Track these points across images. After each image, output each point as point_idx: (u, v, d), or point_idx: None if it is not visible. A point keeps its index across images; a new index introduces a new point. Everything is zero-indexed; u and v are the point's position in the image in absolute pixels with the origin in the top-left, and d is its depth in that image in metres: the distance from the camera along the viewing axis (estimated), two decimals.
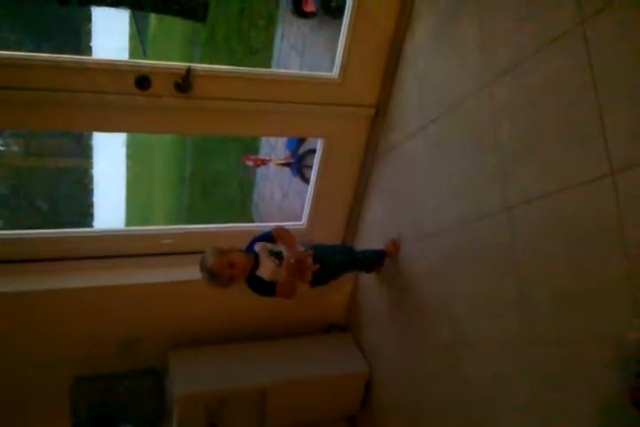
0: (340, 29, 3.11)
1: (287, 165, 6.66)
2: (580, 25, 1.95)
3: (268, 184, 8.47)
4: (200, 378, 3.31)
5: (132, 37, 15.90)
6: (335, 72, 3.19)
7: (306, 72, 4.38)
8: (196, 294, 3.31)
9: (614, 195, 1.85)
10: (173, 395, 3.24)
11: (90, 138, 15.79)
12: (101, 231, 3.46)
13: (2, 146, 16.14)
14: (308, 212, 3.66)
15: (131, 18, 14.59)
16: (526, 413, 2.34)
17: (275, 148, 8.06)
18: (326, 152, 3.43)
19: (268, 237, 2.80)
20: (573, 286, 2.05)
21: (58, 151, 16.67)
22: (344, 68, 3.15)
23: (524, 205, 2.26)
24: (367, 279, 3.65)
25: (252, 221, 8.79)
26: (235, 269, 2.59)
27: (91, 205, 17.62)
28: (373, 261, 3.34)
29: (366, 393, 3.67)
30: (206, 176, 12.64)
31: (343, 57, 3.12)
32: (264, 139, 8.41)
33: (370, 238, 3.59)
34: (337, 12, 5.56)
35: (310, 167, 4.51)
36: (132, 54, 15.82)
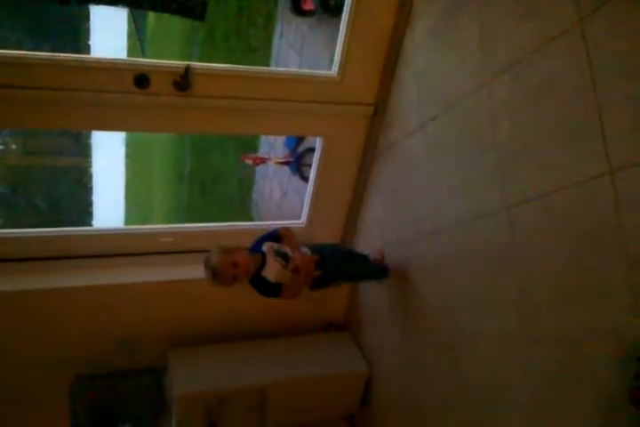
0: (338, 28, 3.11)
1: (286, 163, 6.65)
2: (578, 23, 1.94)
3: (268, 183, 8.47)
4: (199, 377, 3.31)
5: (130, 36, 15.88)
6: (334, 70, 3.18)
7: (305, 70, 4.38)
8: (196, 293, 3.32)
9: (613, 194, 1.85)
10: (172, 394, 3.24)
11: (89, 136, 15.79)
12: (100, 230, 3.46)
13: (1, 144, 16.13)
14: (307, 210, 3.66)
15: (129, 16, 14.57)
16: (526, 412, 2.34)
17: (274, 146, 8.05)
18: (325, 151, 3.43)
19: (274, 235, 2.79)
20: (573, 284, 2.05)
21: (57, 150, 16.66)
22: (343, 66, 3.14)
23: (523, 204, 2.26)
24: None
25: (252, 220, 8.79)
26: (238, 268, 2.56)
27: (90, 204, 17.61)
28: (372, 277, 3.33)
29: (366, 392, 3.67)
30: (205, 175, 12.63)
31: (342, 55, 3.12)
32: (263, 137, 8.40)
33: (369, 237, 3.59)
34: (336, 11, 5.55)
35: (309, 166, 4.50)
36: (130, 53, 15.80)
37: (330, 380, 3.54)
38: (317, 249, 2.95)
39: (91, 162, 17.51)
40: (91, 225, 17.81)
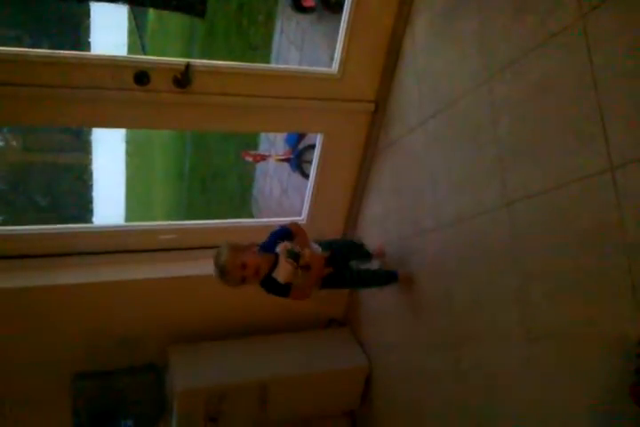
0: (339, 24, 3.11)
1: (286, 160, 6.65)
2: (579, 20, 1.94)
3: (268, 180, 8.46)
4: (200, 373, 3.31)
5: (130, 33, 15.86)
6: (334, 67, 3.18)
7: (305, 67, 4.38)
8: (196, 290, 3.32)
9: (614, 190, 1.85)
10: (173, 390, 3.25)
11: (89, 133, 15.77)
12: (101, 227, 3.46)
13: (1, 141, 16.11)
14: (307, 207, 3.66)
15: (129, 13, 14.55)
16: (525, 408, 2.34)
17: (274, 143, 8.05)
18: (326, 147, 3.43)
19: (285, 233, 2.70)
20: (573, 281, 2.05)
21: (57, 147, 16.64)
22: (343, 63, 3.14)
23: (523, 201, 2.26)
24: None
25: (252, 217, 8.79)
26: (247, 270, 2.49)
27: (90, 201, 17.60)
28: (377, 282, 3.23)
29: (366, 388, 3.68)
30: (206, 171, 12.63)
31: (342, 52, 3.11)
32: (263, 134, 8.40)
33: (370, 233, 3.59)
34: (336, 7, 5.55)
35: (310, 163, 4.50)
36: (130, 50, 15.78)
37: (330, 376, 3.55)
38: (328, 245, 2.90)
39: (91, 159, 17.49)
40: (91, 222, 17.81)
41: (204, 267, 3.31)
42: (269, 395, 3.39)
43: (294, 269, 2.58)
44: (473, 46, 2.52)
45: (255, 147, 8.75)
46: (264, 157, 7.41)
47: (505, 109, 2.36)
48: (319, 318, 3.93)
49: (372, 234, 3.55)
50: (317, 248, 2.82)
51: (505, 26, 2.32)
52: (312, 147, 5.24)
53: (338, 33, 3.13)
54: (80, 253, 3.23)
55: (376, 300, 3.59)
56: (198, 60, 2.90)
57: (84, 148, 17.05)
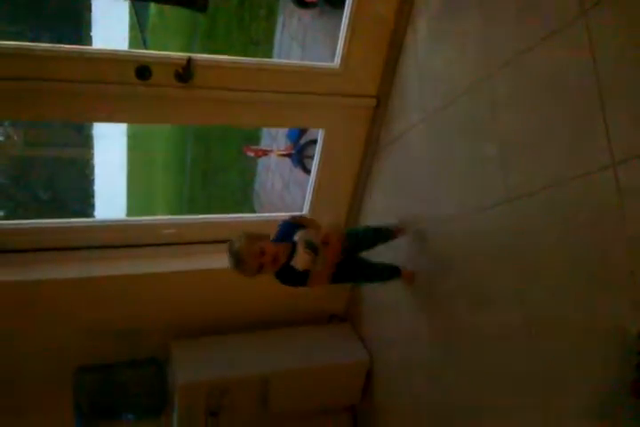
0: (341, 19, 3.10)
1: (288, 155, 6.65)
2: (582, 15, 1.94)
3: (270, 174, 8.47)
4: (201, 367, 3.33)
5: (132, 28, 15.84)
6: (336, 62, 3.18)
7: (307, 62, 4.37)
8: (198, 284, 3.33)
9: (615, 186, 1.85)
10: (175, 384, 3.26)
11: (90, 128, 15.76)
12: (102, 221, 3.46)
13: (2, 136, 16.11)
14: (309, 202, 3.66)
15: (131, 8, 14.52)
16: (526, 403, 2.35)
17: (276, 138, 8.05)
18: (327, 142, 3.43)
19: (297, 226, 2.61)
20: (574, 277, 2.05)
21: (58, 141, 16.64)
22: (345, 58, 3.14)
23: (525, 197, 2.26)
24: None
25: (254, 212, 8.79)
26: (265, 257, 2.38)
27: (92, 195, 17.60)
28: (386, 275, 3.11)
29: (367, 383, 3.68)
30: (207, 166, 12.63)
31: (344, 47, 3.11)
32: (265, 129, 8.40)
33: None
34: (338, 2, 5.54)
35: (311, 158, 4.50)
36: (132, 45, 15.76)
37: (331, 370, 3.55)
38: (354, 235, 2.88)
39: (92, 153, 17.49)
40: (93, 216, 17.81)
41: (206, 261, 3.33)
42: (270, 389, 3.40)
43: (312, 260, 2.47)
44: (475, 42, 2.52)
45: (257, 142, 8.76)
46: (266, 152, 7.41)
47: (506, 105, 2.36)
48: (320, 313, 3.93)
49: None
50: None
51: (507, 22, 2.32)
52: (313, 142, 5.24)
53: (339, 28, 3.13)
54: (81, 248, 3.24)
55: (377, 295, 3.60)
56: (200, 55, 2.90)
57: (86, 142, 17.04)
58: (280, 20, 7.92)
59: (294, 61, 6.27)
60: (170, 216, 3.62)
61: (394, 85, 3.20)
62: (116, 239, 3.31)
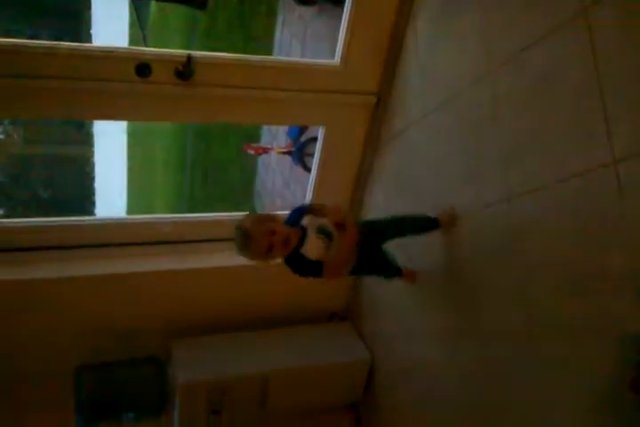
0: (341, 16, 3.10)
1: (288, 153, 6.65)
2: (583, 12, 1.93)
3: (270, 172, 8.47)
4: (202, 366, 3.32)
5: (132, 25, 15.83)
6: (336, 59, 3.17)
7: (307, 60, 4.37)
8: (198, 283, 3.33)
9: (616, 184, 1.85)
10: (176, 382, 3.25)
11: (90, 125, 15.75)
12: (102, 219, 3.46)
13: (1, 133, 16.10)
14: (309, 200, 3.65)
15: (130, 5, 14.52)
16: (526, 400, 2.35)
17: (276, 136, 8.04)
18: (328, 140, 3.42)
19: (307, 211, 2.42)
20: (574, 275, 2.05)
21: (58, 139, 16.63)
22: (345, 55, 3.13)
23: (525, 195, 2.26)
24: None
25: (254, 210, 8.79)
26: (276, 237, 2.15)
27: (92, 193, 17.60)
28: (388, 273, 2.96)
29: (369, 381, 3.68)
30: (207, 164, 12.63)
31: (344, 44, 3.10)
32: (265, 126, 8.39)
33: None
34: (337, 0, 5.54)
35: (312, 155, 4.49)
36: (132, 42, 15.75)
37: (332, 369, 3.55)
38: (370, 224, 2.67)
39: (93, 151, 17.48)
40: (93, 214, 17.82)
41: (206, 260, 3.32)
42: (271, 388, 3.39)
43: (326, 247, 2.30)
44: (476, 39, 2.51)
45: (257, 139, 8.75)
46: (266, 150, 7.41)
47: (507, 103, 2.35)
48: (321, 311, 3.93)
49: None
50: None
51: (508, 18, 2.32)
52: (314, 139, 5.23)
53: (340, 25, 3.12)
54: (81, 246, 3.23)
55: (378, 293, 3.59)
56: (200, 52, 2.89)
57: (86, 140, 17.03)
58: (280, 17, 7.92)
59: (295, 59, 6.26)
60: (170, 214, 3.61)
61: (394, 82, 3.20)
62: (115, 238, 3.30)
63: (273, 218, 2.24)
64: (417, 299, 3.12)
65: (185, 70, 2.84)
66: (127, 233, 3.34)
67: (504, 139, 2.37)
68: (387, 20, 3.07)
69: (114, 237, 3.31)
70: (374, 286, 3.59)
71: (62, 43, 2.72)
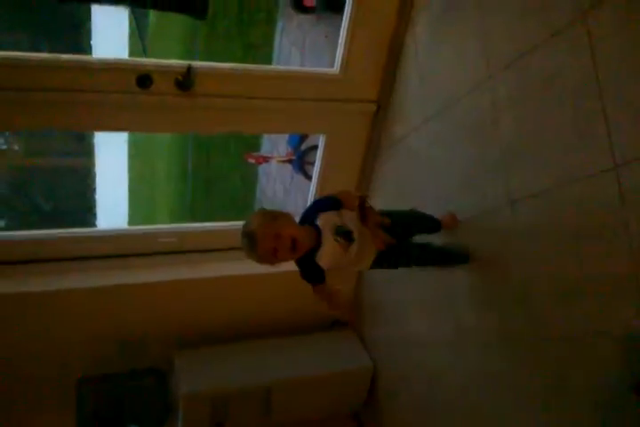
0: (340, 24, 3.11)
1: (289, 161, 6.65)
2: (582, 18, 1.94)
3: (271, 181, 8.47)
4: (205, 377, 3.31)
5: (131, 35, 15.87)
6: (336, 67, 3.18)
7: (307, 68, 4.38)
8: (199, 293, 3.33)
9: (617, 189, 1.85)
10: (178, 394, 3.24)
11: (91, 136, 15.77)
12: (103, 231, 3.46)
13: (3, 145, 16.13)
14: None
15: (130, 15, 14.57)
16: (528, 409, 2.35)
17: (276, 144, 8.05)
18: (328, 148, 3.42)
19: (331, 203, 2.18)
20: (576, 280, 2.05)
21: (59, 150, 16.66)
22: (345, 63, 3.14)
23: (527, 199, 2.26)
24: (371, 274, 3.64)
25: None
26: (281, 241, 1.96)
27: (94, 204, 17.61)
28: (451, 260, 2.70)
29: (371, 389, 3.67)
30: (208, 174, 12.63)
31: (344, 52, 3.11)
32: (265, 135, 8.40)
33: None
34: (337, 7, 5.55)
35: (312, 164, 4.50)
36: (132, 52, 15.80)
37: (335, 377, 3.54)
38: (387, 215, 2.39)
39: (94, 162, 17.50)
40: (95, 225, 17.83)
41: (208, 270, 3.32)
42: (274, 398, 3.38)
43: (344, 251, 2.10)
44: (475, 44, 2.52)
45: (257, 148, 8.76)
46: (267, 159, 7.41)
47: (507, 108, 2.35)
48: (322, 319, 3.91)
49: None
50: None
51: (507, 24, 2.32)
52: (314, 148, 5.24)
53: (339, 33, 3.13)
54: (82, 258, 3.23)
55: (380, 299, 3.59)
56: (200, 63, 2.90)
57: (87, 151, 17.06)
58: (279, 24, 7.94)
59: (294, 67, 6.28)
60: (171, 225, 3.61)
61: (394, 89, 3.20)
62: (117, 249, 3.30)
63: (282, 217, 2.06)
64: (419, 304, 3.11)
65: (185, 81, 2.84)
66: (128, 244, 3.33)
67: (505, 144, 2.37)
68: (386, 28, 3.08)
69: (115, 249, 3.30)
70: (375, 291, 3.58)
71: (63, 55, 2.73)
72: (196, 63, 2.88)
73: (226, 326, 3.58)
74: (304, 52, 7.07)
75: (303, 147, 6.36)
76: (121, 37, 16.13)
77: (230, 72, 3.02)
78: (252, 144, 9.04)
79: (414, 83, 3.04)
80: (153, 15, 14.59)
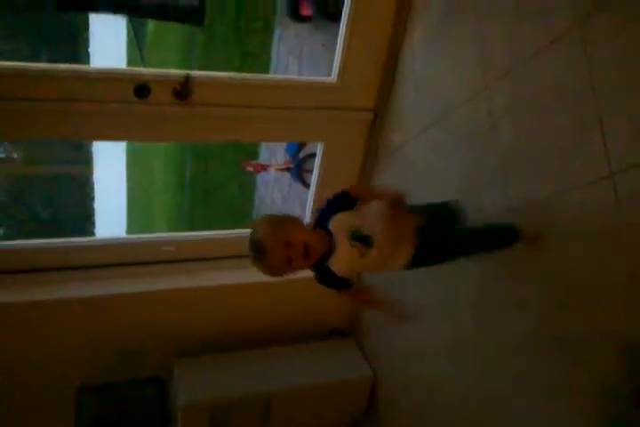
0: (337, 33, 3.11)
1: (287, 170, 6.66)
2: (578, 26, 1.95)
3: (269, 189, 8.48)
4: (204, 386, 3.30)
5: (129, 44, 15.93)
6: (333, 76, 3.18)
7: (304, 77, 4.39)
8: (198, 302, 3.32)
9: (614, 196, 1.86)
10: (177, 403, 3.23)
11: (90, 145, 15.81)
12: (102, 240, 3.46)
13: (2, 153, 16.15)
14: (309, 216, 3.65)
15: (128, 24, 14.63)
16: (526, 419, 2.35)
17: (274, 152, 8.06)
18: (326, 156, 3.42)
19: (343, 199, 1.98)
20: (577, 288, 2.05)
21: (58, 159, 16.69)
22: (342, 72, 3.14)
23: (525, 207, 2.26)
24: (368, 281, 3.63)
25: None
26: (292, 249, 1.78)
27: (92, 213, 17.63)
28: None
29: (371, 398, 3.66)
30: (207, 182, 12.64)
31: (341, 61, 3.12)
32: (263, 143, 8.42)
33: None
34: (334, 16, 5.57)
35: (310, 172, 4.50)
36: (130, 61, 15.85)
37: (335, 386, 3.53)
38: (419, 210, 2.15)
39: (92, 170, 17.53)
40: (93, 234, 17.84)
41: (206, 278, 3.32)
42: (274, 407, 3.37)
43: (360, 256, 1.89)
44: (472, 52, 2.52)
45: (255, 156, 8.77)
46: (265, 167, 7.42)
47: (505, 116, 2.36)
48: (322, 328, 3.91)
49: None
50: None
51: (504, 32, 2.33)
52: (312, 156, 5.24)
53: (336, 41, 3.14)
54: (81, 267, 3.23)
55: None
56: (197, 72, 2.90)
57: (86, 159, 17.08)
58: (277, 33, 7.97)
59: (291, 76, 6.30)
60: (170, 233, 3.61)
61: (391, 98, 3.21)
62: (115, 258, 3.30)
63: (291, 222, 1.87)
64: (418, 313, 3.11)
65: (183, 90, 2.85)
66: (127, 253, 3.33)
67: (502, 152, 2.38)
68: (383, 37, 3.09)
69: (113, 258, 3.30)
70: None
71: (61, 65, 2.73)
72: (194, 72, 2.88)
73: (225, 335, 3.57)
74: (301, 60, 7.09)
75: (301, 155, 6.38)
76: (119, 46, 16.18)
77: (228, 81, 3.03)
78: (250, 152, 9.05)
79: (411, 91, 3.04)
80: (151, 24, 14.64)
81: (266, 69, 8.14)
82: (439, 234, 2.14)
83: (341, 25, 3.06)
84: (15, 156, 16.01)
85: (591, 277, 1.99)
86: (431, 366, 3.03)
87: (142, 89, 2.81)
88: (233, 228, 3.50)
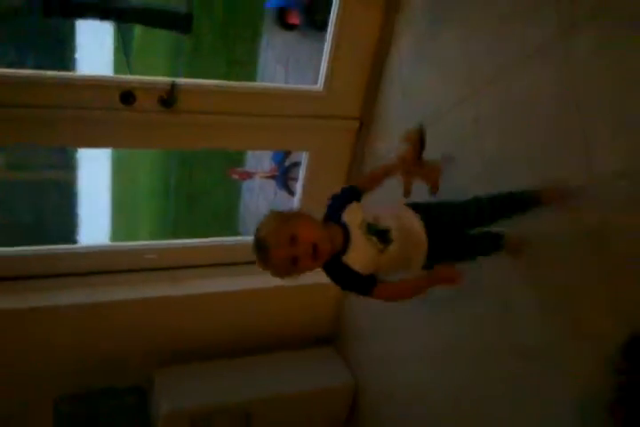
0: (324, 41, 3.13)
1: (272, 177, 6.67)
2: (562, 36, 1.97)
3: (254, 197, 8.47)
4: (185, 395, 3.27)
5: (116, 50, 15.87)
6: (319, 84, 3.19)
7: (290, 85, 4.40)
8: (180, 310, 3.30)
9: (596, 202, 1.88)
10: (159, 412, 3.21)
11: (75, 151, 15.72)
12: (85, 247, 3.44)
13: None
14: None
15: (115, 30, 14.58)
16: (514, 421, 2.35)
17: (260, 160, 8.06)
18: (312, 165, 3.43)
19: (351, 194, 1.92)
20: (558, 296, 2.07)
21: (42, 164, 16.57)
22: (328, 80, 3.15)
23: None
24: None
25: (239, 235, 8.77)
26: (299, 247, 1.63)
27: (76, 219, 17.49)
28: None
29: (353, 407, 3.65)
30: (192, 189, 12.60)
31: (327, 69, 3.13)
32: (249, 151, 8.42)
33: None
34: (320, 25, 5.59)
35: (296, 180, 4.51)
36: (116, 67, 15.80)
37: (316, 395, 3.52)
38: (426, 209, 2.08)
39: (77, 176, 17.40)
40: (76, 241, 17.71)
41: (189, 286, 3.30)
42: (255, 416, 3.35)
43: (379, 252, 1.77)
44: (458, 61, 2.54)
45: (241, 164, 8.76)
46: (250, 175, 7.42)
47: (490, 123, 2.38)
48: (305, 336, 3.90)
49: None
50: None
51: (490, 40, 2.35)
52: (298, 164, 5.25)
53: (323, 50, 3.15)
54: (63, 275, 3.20)
55: (362, 315, 3.58)
56: (183, 80, 2.90)
57: (70, 165, 16.98)
58: (264, 41, 7.98)
59: (278, 84, 6.31)
60: (153, 241, 3.59)
61: (377, 106, 3.22)
62: (98, 265, 3.27)
63: (297, 218, 1.74)
64: (403, 320, 3.11)
65: (168, 98, 2.85)
66: (110, 261, 3.31)
67: (487, 160, 2.39)
68: (369, 45, 3.11)
69: (96, 266, 3.27)
70: (358, 308, 3.58)
71: (47, 72, 2.73)
72: (180, 80, 2.88)
73: (207, 343, 3.55)
74: (288, 69, 7.10)
75: (287, 163, 6.38)
76: (106, 52, 16.12)
77: (214, 89, 3.03)
78: (236, 160, 9.04)
79: (397, 98, 3.05)
80: (138, 30, 14.61)
81: (252, 77, 8.14)
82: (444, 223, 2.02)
83: (328, 34, 3.07)
84: None
85: (573, 280, 2.01)
86: (414, 374, 3.03)
87: (128, 96, 2.81)
88: (218, 234, 3.49)
